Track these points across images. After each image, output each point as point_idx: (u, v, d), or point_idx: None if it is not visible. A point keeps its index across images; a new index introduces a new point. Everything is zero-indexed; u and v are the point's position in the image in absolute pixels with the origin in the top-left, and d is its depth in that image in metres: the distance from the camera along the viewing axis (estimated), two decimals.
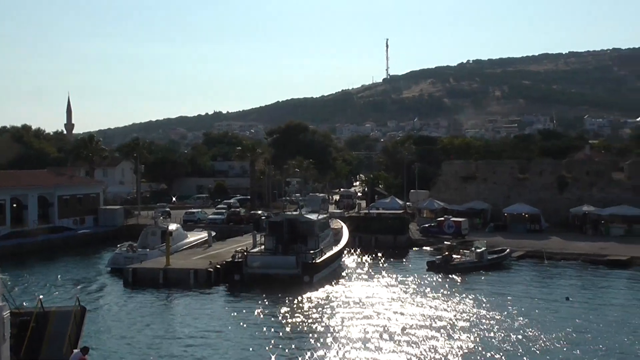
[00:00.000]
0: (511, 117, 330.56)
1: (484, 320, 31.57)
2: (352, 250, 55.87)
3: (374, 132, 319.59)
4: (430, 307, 34.77)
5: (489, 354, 25.93)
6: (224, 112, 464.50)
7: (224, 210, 74.70)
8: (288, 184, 52.46)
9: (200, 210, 76.57)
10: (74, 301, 25.03)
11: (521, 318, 31.93)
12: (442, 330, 29.57)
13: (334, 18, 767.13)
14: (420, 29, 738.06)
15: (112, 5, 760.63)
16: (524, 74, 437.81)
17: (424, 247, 58.29)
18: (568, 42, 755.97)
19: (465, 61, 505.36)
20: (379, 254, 54.44)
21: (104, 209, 73.07)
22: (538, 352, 26.43)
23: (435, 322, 31.22)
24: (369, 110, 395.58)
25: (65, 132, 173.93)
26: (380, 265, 50.25)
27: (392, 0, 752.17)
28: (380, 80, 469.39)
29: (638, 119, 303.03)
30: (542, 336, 28.53)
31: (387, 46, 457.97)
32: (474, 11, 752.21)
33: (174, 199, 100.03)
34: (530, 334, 29.03)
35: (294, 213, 47.09)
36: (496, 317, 32.29)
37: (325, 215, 51.48)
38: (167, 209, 78.99)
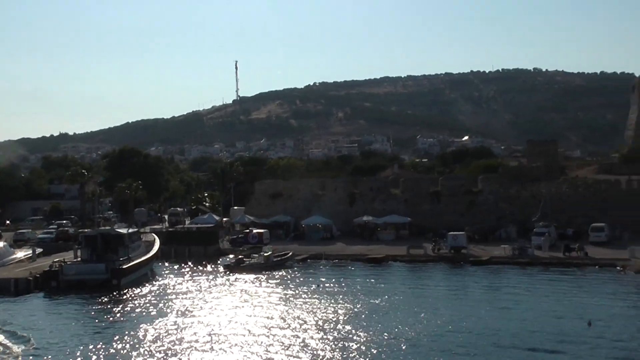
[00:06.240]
0: (352, 137, 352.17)
1: (252, 300, 43.57)
2: (168, 259, 65.08)
3: (223, 153, 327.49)
4: (215, 294, 46.39)
5: (251, 319, 37.51)
6: (71, 133, 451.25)
7: (53, 230, 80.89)
8: (101, 203, 60.58)
9: (30, 230, 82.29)
10: None
11: (273, 297, 44.07)
12: (218, 308, 41.10)
13: (185, 38, 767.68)
14: (269, 51, 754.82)
15: None
16: (366, 96, 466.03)
17: (230, 255, 68.28)
18: (407, 66, 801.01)
19: (312, 83, 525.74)
20: (190, 262, 63.96)
21: None
22: (276, 317, 37.86)
23: (215, 304, 42.50)
24: (218, 131, 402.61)
25: None
26: (187, 269, 59.92)
27: (241, 22, 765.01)
28: (231, 102, 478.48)
29: (464, 139, 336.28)
30: (286, 309, 40.23)
31: (236, 68, 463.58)
32: (321, 35, 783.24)
33: (7, 221, 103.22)
34: (277, 306, 41.01)
35: (107, 228, 55.43)
36: (259, 296, 44.60)
37: (135, 230, 60.23)
38: None
